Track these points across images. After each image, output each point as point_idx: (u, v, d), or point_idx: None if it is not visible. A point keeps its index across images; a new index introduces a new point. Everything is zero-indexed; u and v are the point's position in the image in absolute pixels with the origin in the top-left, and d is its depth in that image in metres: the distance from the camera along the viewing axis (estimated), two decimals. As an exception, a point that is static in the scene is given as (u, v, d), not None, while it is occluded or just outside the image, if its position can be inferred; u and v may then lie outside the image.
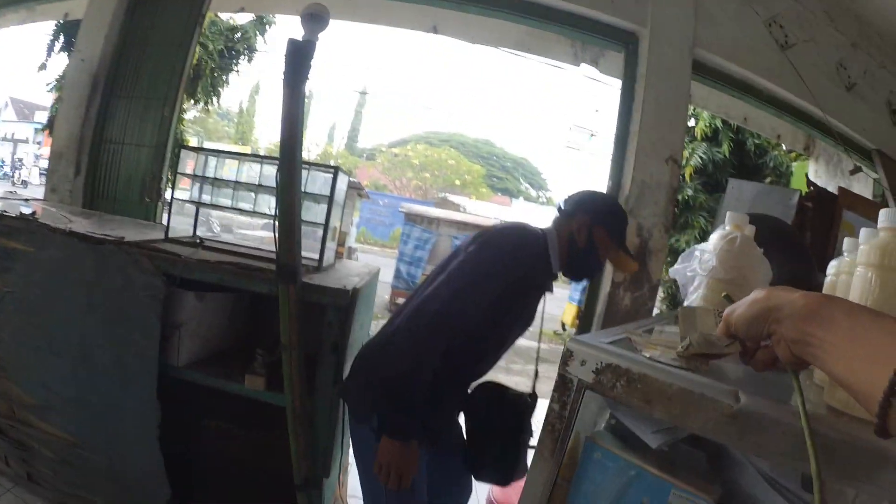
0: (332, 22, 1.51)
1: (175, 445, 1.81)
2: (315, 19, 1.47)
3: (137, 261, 1.67)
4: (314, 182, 1.89)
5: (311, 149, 32.47)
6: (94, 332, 1.72)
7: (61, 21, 4.56)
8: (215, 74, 6.43)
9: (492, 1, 3.05)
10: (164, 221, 2.09)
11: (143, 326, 1.68)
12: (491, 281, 1.43)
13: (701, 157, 6.26)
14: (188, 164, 2.03)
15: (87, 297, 1.71)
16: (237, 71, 6.69)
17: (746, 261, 0.92)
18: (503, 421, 1.64)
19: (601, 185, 3.03)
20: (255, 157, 2.03)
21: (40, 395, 1.80)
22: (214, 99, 6.63)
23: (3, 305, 1.78)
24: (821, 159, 4.12)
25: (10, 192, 2.79)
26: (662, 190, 2.80)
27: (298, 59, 1.48)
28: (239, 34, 6.58)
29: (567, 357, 0.80)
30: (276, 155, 1.61)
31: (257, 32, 6.68)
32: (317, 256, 1.91)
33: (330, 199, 1.84)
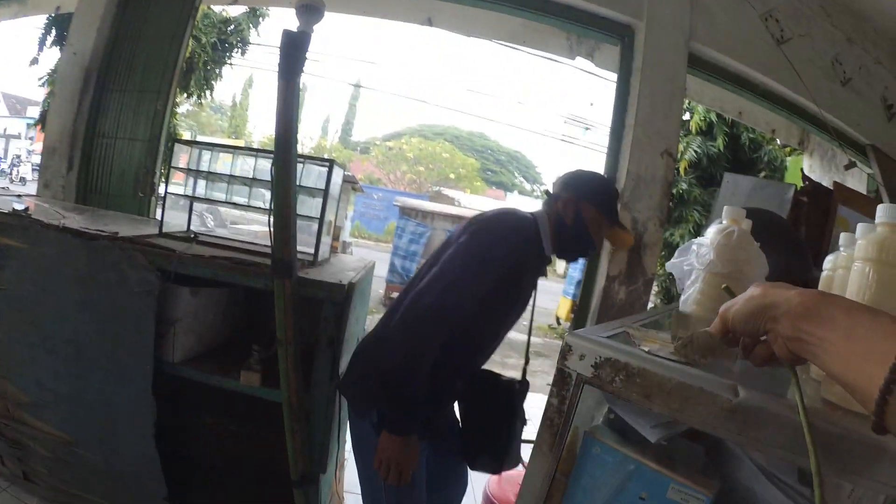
0: (326, 14, 1.50)
1: (171, 442, 1.81)
2: (310, 11, 1.45)
3: (131, 256, 1.66)
4: (309, 176, 1.88)
5: (304, 142, 32.36)
6: (89, 329, 1.71)
7: (53, 15, 4.52)
8: (208, 67, 6.38)
9: (486, -7, 3.03)
10: (158, 216, 2.08)
11: (138, 323, 1.67)
12: (484, 271, 1.41)
13: (695, 151, 6.27)
14: (182, 158, 2.01)
15: (81, 294, 1.70)
16: (230, 64, 6.64)
17: (744, 255, 0.92)
18: (496, 407, 1.64)
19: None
20: (250, 150, 2.02)
21: (34, 392, 1.79)
22: (208, 92, 6.58)
23: (-5, 302, 1.77)
24: (815, 154, 4.13)
25: (3, 188, 2.76)
26: (657, 183, 2.80)
27: (293, 50, 1.46)
28: (232, 27, 6.54)
29: (566, 351, 0.80)
30: (271, 148, 1.60)
31: (250, 25, 6.64)
32: (312, 251, 1.90)
33: (325, 193, 1.83)
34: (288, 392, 1.61)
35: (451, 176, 32.67)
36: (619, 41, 2.99)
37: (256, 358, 1.75)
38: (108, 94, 2.95)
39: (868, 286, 0.66)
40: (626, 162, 2.79)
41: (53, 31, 4.80)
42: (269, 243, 1.60)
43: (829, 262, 0.99)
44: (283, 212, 1.54)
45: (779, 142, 5.58)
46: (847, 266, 0.79)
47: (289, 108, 1.50)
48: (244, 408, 2.05)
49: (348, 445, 2.33)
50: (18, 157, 21.97)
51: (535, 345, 8.53)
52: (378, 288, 10.25)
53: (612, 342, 0.79)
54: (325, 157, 2.09)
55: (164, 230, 1.99)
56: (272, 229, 1.55)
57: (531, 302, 1.70)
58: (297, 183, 1.69)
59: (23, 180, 19.01)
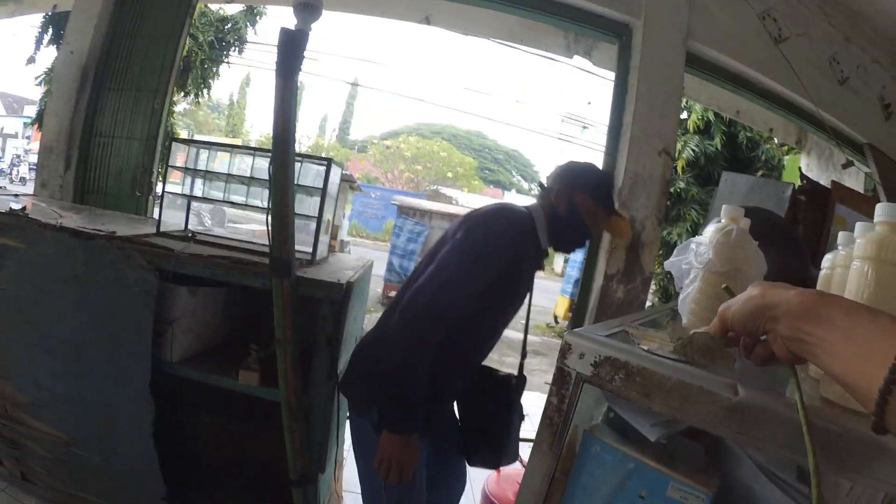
0: (324, 12, 1.50)
1: (170, 442, 1.80)
2: (308, 9, 1.45)
3: (129, 256, 1.65)
4: (307, 175, 1.88)
5: (302, 141, 32.31)
6: (87, 329, 1.71)
7: (50, 13, 4.50)
8: (205, 66, 6.36)
9: (484, -8, 3.03)
10: (156, 215, 2.07)
11: (136, 322, 1.67)
12: (480, 267, 1.41)
13: (693, 150, 6.28)
14: (179, 156, 2.01)
15: (79, 293, 1.69)
16: (228, 62, 6.63)
17: (742, 254, 0.92)
18: (493, 402, 1.65)
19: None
20: (247, 149, 2.01)
21: (32, 392, 1.78)
22: (205, 91, 6.56)
23: (-7, 302, 1.76)
24: (813, 153, 4.14)
25: (1, 187, 2.74)
26: (655, 182, 2.80)
27: (291, 49, 1.46)
28: (229, 25, 6.52)
29: (565, 350, 0.80)
30: (268, 147, 1.60)
31: (248, 23, 6.62)
32: (310, 250, 1.90)
33: (323, 192, 1.83)
34: (286, 391, 1.61)
35: (449, 175, 32.67)
36: (617, 40, 2.99)
37: (255, 357, 1.75)
38: (106, 93, 2.94)
39: (867, 285, 0.66)
40: (624, 160, 2.79)
41: (50, 30, 4.79)
42: (267, 242, 1.60)
43: (827, 260, 0.99)
44: (281, 211, 1.54)
45: (776, 141, 5.59)
46: (846, 265, 0.79)
47: (287, 106, 1.49)
48: (243, 407, 2.05)
49: (347, 444, 2.34)
50: (19, 156, 21.75)
51: (533, 343, 8.56)
52: (376, 287, 10.23)
53: (611, 341, 0.79)
54: (323, 155, 2.09)
55: (162, 229, 1.99)
56: (270, 228, 1.55)
57: (529, 296, 1.70)
58: (295, 182, 1.68)
59: (23, 180, 18.85)
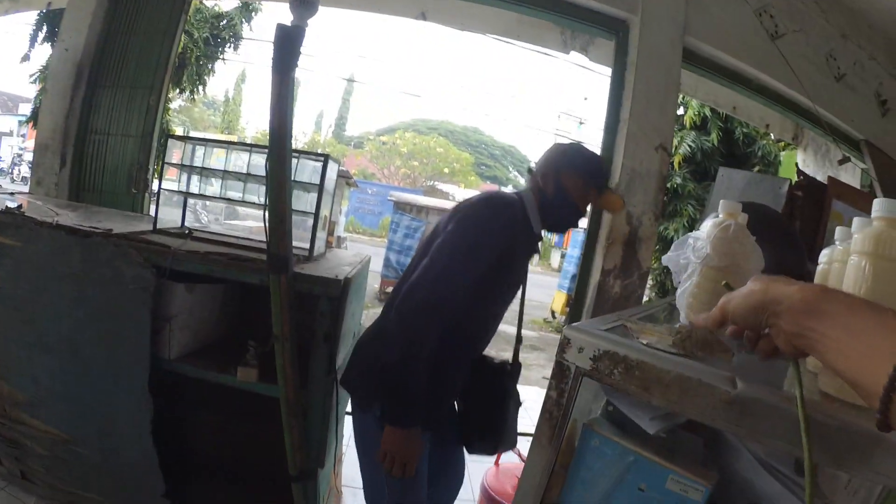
0: (320, 8, 1.49)
1: (169, 439, 1.80)
2: (304, 5, 1.44)
3: (126, 253, 1.65)
4: (303, 171, 1.88)
5: (298, 137, 32.18)
6: (84, 327, 1.70)
7: (44, 11, 4.46)
8: (201, 63, 6.32)
9: (481, -13, 3.03)
10: (152, 212, 2.06)
11: (134, 319, 1.66)
12: (473, 258, 1.41)
13: (690, 146, 6.27)
14: (175, 153, 2.00)
15: (76, 291, 1.69)
16: (223, 59, 6.59)
17: (740, 248, 0.92)
18: (489, 389, 1.66)
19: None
20: (244, 145, 2.01)
21: (31, 391, 1.78)
22: (200, 87, 6.52)
23: (-11, 300, 1.75)
24: (809, 149, 4.15)
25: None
26: (652, 178, 2.80)
27: (287, 44, 1.45)
28: (224, 21, 6.47)
29: (564, 344, 0.81)
30: (265, 143, 1.59)
31: (243, 20, 6.57)
32: (307, 246, 1.90)
33: (320, 188, 1.83)
34: (285, 387, 1.61)
35: (446, 170, 32.64)
36: (614, 36, 2.98)
37: (253, 353, 1.75)
38: (101, 91, 2.92)
39: (864, 280, 0.66)
40: (621, 156, 2.79)
41: (45, 28, 4.74)
42: (264, 239, 1.59)
43: (824, 255, 1.00)
44: (278, 207, 1.53)
45: (773, 137, 5.60)
46: (843, 260, 0.79)
47: (283, 102, 1.49)
48: (242, 403, 2.05)
49: (346, 440, 2.34)
50: (20, 156, 21.48)
51: (530, 338, 8.58)
52: (373, 283, 10.24)
53: (610, 335, 0.80)
54: (319, 152, 2.09)
55: (159, 226, 1.98)
56: (267, 225, 1.54)
57: (523, 282, 1.70)
58: (292, 178, 1.68)
59: (24, 180, 18.48)
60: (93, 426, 1.78)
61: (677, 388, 0.69)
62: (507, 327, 1.76)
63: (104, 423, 1.77)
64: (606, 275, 2.82)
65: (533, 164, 1.66)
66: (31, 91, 5.69)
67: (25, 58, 4.97)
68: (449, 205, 12.97)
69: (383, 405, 1.42)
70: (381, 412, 1.43)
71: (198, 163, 1.97)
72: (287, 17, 1.47)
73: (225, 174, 1.96)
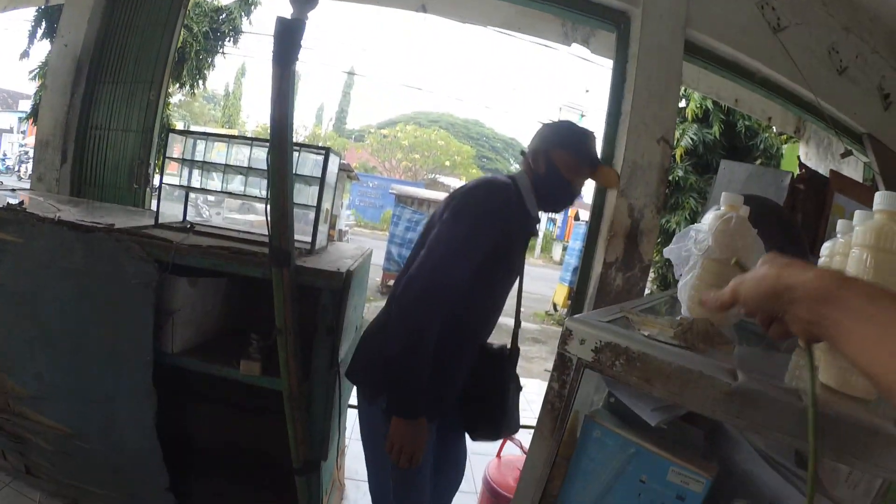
0: (320, 1, 1.49)
1: (172, 432, 1.81)
2: (305, -1, 1.44)
3: (128, 248, 1.65)
4: (305, 164, 1.88)
5: (299, 130, 32.10)
6: (87, 322, 1.71)
7: (43, 7, 4.45)
8: (200, 57, 6.31)
9: (482, -20, 3.01)
10: (154, 207, 2.07)
11: (136, 314, 1.67)
12: (470, 244, 1.40)
13: (691, 138, 6.26)
14: (176, 148, 2.00)
15: (79, 287, 1.69)
16: (223, 53, 6.57)
17: (742, 241, 0.92)
18: (489, 374, 1.66)
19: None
20: (244, 139, 2.00)
21: (34, 386, 1.78)
22: (200, 82, 6.51)
23: (-7, 296, 1.76)
24: (811, 142, 4.14)
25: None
26: (654, 170, 2.80)
27: (288, 37, 1.45)
28: (224, 15, 6.46)
29: (566, 336, 0.81)
30: (266, 137, 1.59)
31: (242, 13, 6.55)
32: (309, 239, 1.90)
33: (321, 181, 1.83)
34: (288, 380, 1.61)
35: (447, 163, 32.55)
36: (615, 28, 2.97)
37: (256, 347, 1.76)
38: (101, 86, 2.92)
39: (866, 272, 0.67)
40: (623, 149, 2.79)
41: (44, 24, 4.73)
42: (265, 232, 1.60)
43: (826, 248, 1.00)
44: (280, 201, 1.53)
45: (775, 129, 5.58)
46: (845, 253, 0.79)
47: (284, 96, 1.49)
48: (245, 397, 2.06)
49: (348, 432, 2.35)
50: (26, 153, 21.42)
51: (532, 331, 8.60)
52: (375, 276, 10.24)
53: (612, 327, 0.80)
54: (320, 145, 2.09)
55: (161, 221, 1.98)
56: (269, 218, 1.55)
57: (522, 265, 1.70)
58: (294, 171, 1.68)
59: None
60: (96, 421, 1.79)
61: (678, 379, 0.69)
62: (507, 320, 1.76)
63: (108, 418, 1.78)
64: (608, 267, 2.82)
65: (525, 148, 1.66)
66: (31, 87, 5.68)
67: (25, 54, 4.97)
68: (450, 198, 12.93)
69: (389, 397, 1.43)
70: (387, 404, 1.43)
71: (199, 157, 1.97)
72: (287, 10, 1.46)
73: (226, 168, 1.96)
